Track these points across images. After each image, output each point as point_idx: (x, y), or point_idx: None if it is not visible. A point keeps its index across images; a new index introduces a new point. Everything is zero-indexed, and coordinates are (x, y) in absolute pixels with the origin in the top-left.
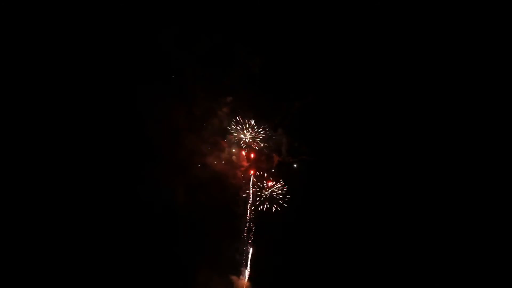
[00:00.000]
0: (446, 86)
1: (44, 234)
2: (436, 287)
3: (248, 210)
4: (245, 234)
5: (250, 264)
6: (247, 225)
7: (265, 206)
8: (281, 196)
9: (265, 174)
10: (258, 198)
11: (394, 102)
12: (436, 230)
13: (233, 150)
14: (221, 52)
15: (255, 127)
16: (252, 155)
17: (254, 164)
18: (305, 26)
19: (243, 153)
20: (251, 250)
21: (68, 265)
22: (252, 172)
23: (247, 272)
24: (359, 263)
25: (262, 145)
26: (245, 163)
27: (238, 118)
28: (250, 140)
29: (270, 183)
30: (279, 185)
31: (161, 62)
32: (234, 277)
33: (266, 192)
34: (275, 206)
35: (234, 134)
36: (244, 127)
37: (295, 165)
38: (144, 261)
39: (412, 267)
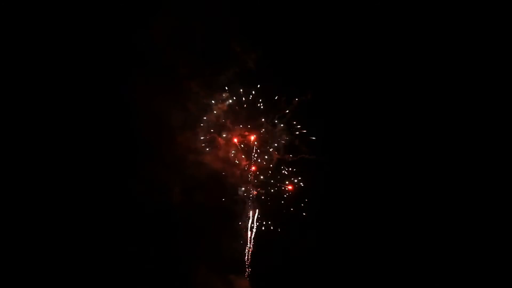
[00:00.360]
0: (447, 84)
1: (32, 234)
2: (436, 287)
3: (250, 208)
4: (245, 233)
5: (250, 263)
6: (248, 224)
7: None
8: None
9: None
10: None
11: (398, 98)
12: (436, 230)
13: (232, 149)
14: (217, 47)
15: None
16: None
17: (254, 161)
18: (306, 19)
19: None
20: (251, 249)
21: (62, 265)
22: (253, 169)
23: (247, 272)
24: (360, 262)
25: (259, 143)
26: (244, 161)
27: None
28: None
29: (290, 187)
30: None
31: (155, 57)
32: (233, 277)
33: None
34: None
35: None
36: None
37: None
38: (141, 261)
39: (412, 267)
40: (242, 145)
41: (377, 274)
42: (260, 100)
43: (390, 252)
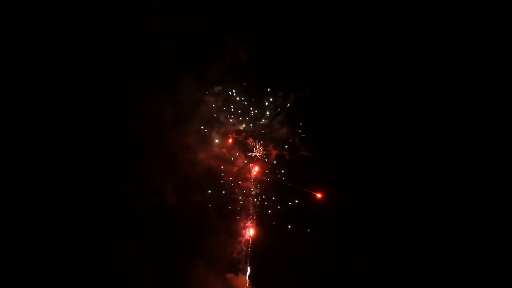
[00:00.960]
0: (448, 83)
1: (23, 234)
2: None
3: (251, 207)
4: (246, 233)
5: (250, 263)
6: (249, 223)
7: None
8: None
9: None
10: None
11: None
12: (436, 230)
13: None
14: (210, 39)
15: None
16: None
17: (254, 158)
18: (302, 11)
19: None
20: (251, 249)
21: (58, 266)
22: (256, 169)
23: (247, 271)
24: (360, 261)
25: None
26: (241, 158)
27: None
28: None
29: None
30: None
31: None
32: (233, 277)
33: None
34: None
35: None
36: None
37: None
38: (140, 262)
39: (412, 267)
40: (238, 141)
41: (378, 275)
42: (256, 94)
43: (390, 252)
